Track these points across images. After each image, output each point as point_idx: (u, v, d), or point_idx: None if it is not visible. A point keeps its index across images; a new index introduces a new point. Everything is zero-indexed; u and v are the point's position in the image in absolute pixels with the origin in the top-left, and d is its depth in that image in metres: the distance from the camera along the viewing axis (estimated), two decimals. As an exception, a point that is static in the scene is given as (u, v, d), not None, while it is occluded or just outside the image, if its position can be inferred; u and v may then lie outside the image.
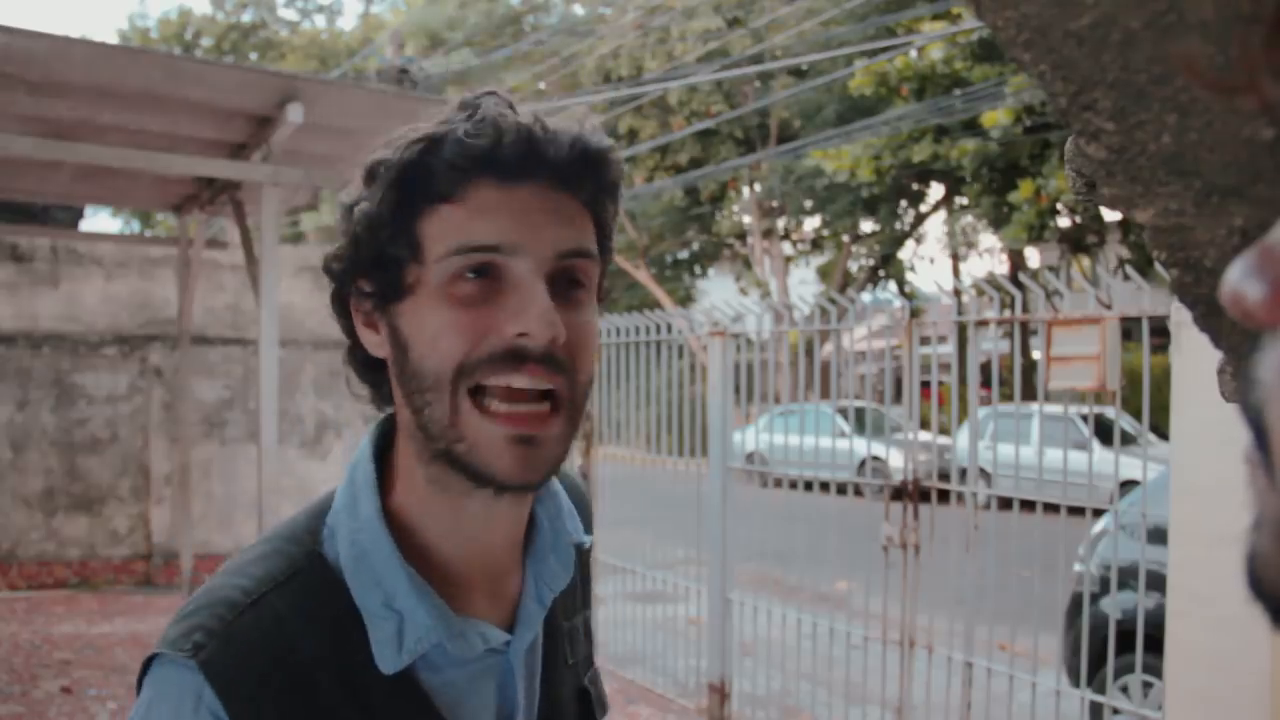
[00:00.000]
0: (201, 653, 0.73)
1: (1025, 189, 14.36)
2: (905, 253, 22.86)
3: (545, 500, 0.88)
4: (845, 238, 21.81)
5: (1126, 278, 3.93)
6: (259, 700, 0.72)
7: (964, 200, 18.16)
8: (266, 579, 0.77)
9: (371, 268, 0.78)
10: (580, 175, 0.79)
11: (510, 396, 0.75)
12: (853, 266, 22.65)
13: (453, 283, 0.75)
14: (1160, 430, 7.32)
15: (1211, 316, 0.98)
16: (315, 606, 0.77)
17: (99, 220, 53.05)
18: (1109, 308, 3.59)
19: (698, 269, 27.80)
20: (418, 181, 0.76)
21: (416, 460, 0.80)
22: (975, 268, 22.42)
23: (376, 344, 0.80)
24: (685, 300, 24.69)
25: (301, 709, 0.74)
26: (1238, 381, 0.99)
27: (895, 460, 6.73)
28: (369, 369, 0.83)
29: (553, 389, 0.76)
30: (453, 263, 0.75)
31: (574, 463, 6.45)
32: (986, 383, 7.08)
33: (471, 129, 0.75)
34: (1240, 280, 0.34)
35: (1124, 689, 3.99)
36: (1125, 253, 14.92)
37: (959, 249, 20.95)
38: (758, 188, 21.90)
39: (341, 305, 0.82)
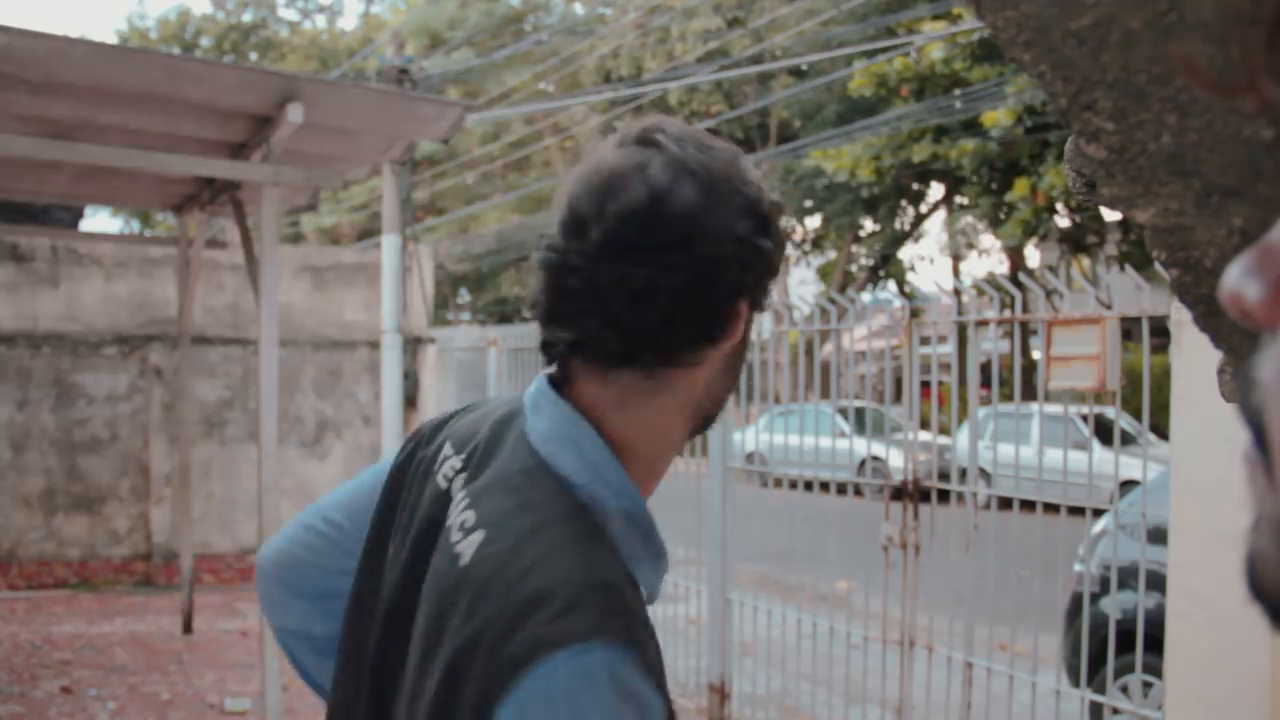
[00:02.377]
0: (631, 633, 0.74)
1: (1020, 187, 14.36)
2: (905, 253, 22.87)
3: None
4: (845, 237, 21.81)
5: (1122, 269, 3.93)
6: (656, 664, 0.77)
7: (964, 200, 18.16)
8: (598, 549, 0.81)
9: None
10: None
11: None
12: (853, 266, 22.64)
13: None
14: (1160, 430, 7.33)
15: (1211, 316, 0.98)
16: (618, 563, 0.81)
17: (99, 220, 53.08)
18: (1109, 308, 3.58)
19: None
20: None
21: (679, 432, 0.92)
22: (975, 267, 22.44)
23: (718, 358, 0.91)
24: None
25: (656, 654, 0.78)
26: (1237, 382, 0.99)
27: (895, 460, 6.73)
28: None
29: None
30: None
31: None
32: (986, 383, 7.08)
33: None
34: (1239, 280, 0.34)
35: (1124, 689, 3.99)
36: (1125, 250, 14.92)
37: (959, 249, 20.95)
38: (758, 187, 21.85)
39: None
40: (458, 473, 0.92)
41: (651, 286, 0.82)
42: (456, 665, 0.75)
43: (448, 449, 0.96)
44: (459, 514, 0.87)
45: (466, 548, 0.82)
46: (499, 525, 0.81)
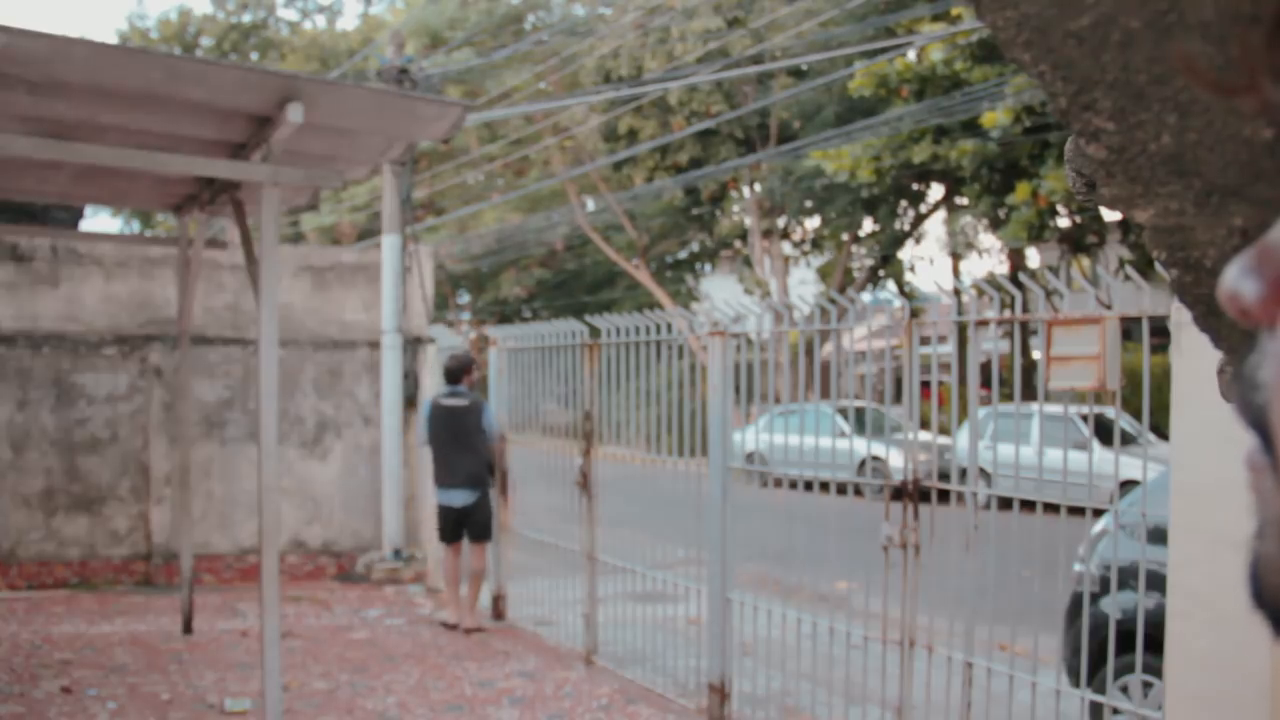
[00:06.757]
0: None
1: (1022, 191, 14.35)
2: (905, 253, 22.84)
3: None
4: (845, 238, 21.81)
5: (1127, 277, 3.93)
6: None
7: (964, 200, 18.15)
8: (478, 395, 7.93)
9: None
10: None
11: None
12: (853, 266, 22.64)
13: None
14: (1160, 430, 7.33)
15: (1211, 316, 0.98)
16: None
17: (99, 220, 53.08)
18: (1109, 308, 3.58)
19: (698, 269, 27.79)
20: None
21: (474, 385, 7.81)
22: (975, 268, 22.41)
23: None
24: (686, 300, 24.69)
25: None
26: (1235, 382, 0.99)
27: (895, 460, 6.72)
28: None
29: None
30: None
31: (574, 462, 6.45)
32: (986, 383, 7.08)
33: None
34: (1238, 280, 0.34)
35: (1124, 689, 3.99)
36: (1125, 253, 14.91)
37: (959, 249, 20.94)
38: (758, 188, 21.89)
39: None
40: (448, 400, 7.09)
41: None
42: (477, 409, 7.00)
43: (443, 399, 7.11)
44: (448, 402, 7.04)
45: (461, 402, 7.03)
46: (473, 398, 7.12)
